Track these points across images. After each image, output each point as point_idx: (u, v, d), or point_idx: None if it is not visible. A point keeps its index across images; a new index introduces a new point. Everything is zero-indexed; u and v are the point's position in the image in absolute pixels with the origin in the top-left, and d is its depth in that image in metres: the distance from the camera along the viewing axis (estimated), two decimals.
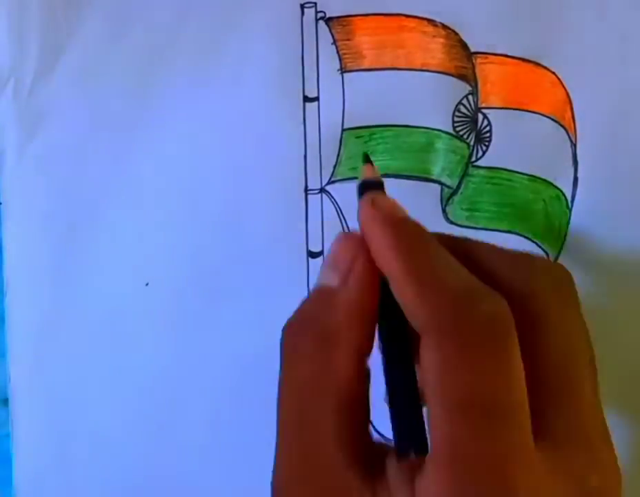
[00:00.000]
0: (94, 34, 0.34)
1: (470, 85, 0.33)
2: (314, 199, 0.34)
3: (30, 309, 0.35)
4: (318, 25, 0.33)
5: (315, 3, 0.33)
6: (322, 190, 0.34)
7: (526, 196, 0.34)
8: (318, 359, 0.24)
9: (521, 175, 0.34)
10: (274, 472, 0.25)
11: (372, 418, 0.25)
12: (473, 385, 0.23)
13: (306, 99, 0.33)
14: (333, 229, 0.33)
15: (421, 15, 0.33)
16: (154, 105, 0.34)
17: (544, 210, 0.34)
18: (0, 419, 0.35)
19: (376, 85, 0.33)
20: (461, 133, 0.33)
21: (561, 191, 0.34)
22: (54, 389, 0.35)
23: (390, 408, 0.25)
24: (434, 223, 0.32)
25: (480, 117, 0.33)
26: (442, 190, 0.34)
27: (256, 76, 0.33)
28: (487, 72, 0.33)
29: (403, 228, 0.25)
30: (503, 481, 0.22)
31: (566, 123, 0.33)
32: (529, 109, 0.33)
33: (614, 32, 0.33)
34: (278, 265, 0.34)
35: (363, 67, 0.33)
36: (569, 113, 0.33)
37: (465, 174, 0.34)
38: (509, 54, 0.33)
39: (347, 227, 0.33)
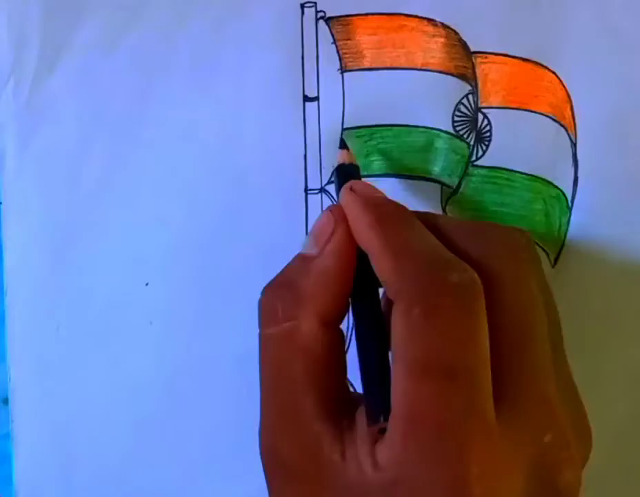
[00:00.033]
0: (94, 34, 0.34)
1: (470, 84, 0.33)
2: (314, 199, 0.34)
3: (29, 309, 0.35)
4: (318, 25, 0.33)
5: (315, 3, 0.33)
6: (322, 190, 0.34)
7: (526, 196, 0.34)
8: (289, 318, 0.26)
9: (521, 175, 0.34)
10: (259, 425, 0.27)
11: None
12: (436, 348, 0.24)
13: (306, 99, 0.33)
14: None
15: (421, 15, 0.33)
16: (153, 105, 0.34)
17: (544, 210, 0.34)
18: (0, 419, 0.35)
19: (376, 85, 0.33)
20: (461, 133, 0.33)
21: (561, 191, 0.34)
22: (54, 389, 0.35)
23: (361, 376, 0.26)
24: None
25: (480, 116, 0.33)
26: (442, 189, 0.34)
27: (256, 76, 0.33)
28: (488, 71, 0.33)
29: (380, 207, 0.27)
30: (456, 443, 0.23)
31: (566, 123, 0.33)
32: (529, 109, 0.33)
33: (614, 32, 0.33)
34: (278, 265, 0.33)
35: (363, 67, 0.33)
36: (569, 113, 0.33)
37: (465, 173, 0.34)
38: (509, 53, 0.33)
39: None
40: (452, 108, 0.33)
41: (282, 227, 0.34)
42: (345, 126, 0.33)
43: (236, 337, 0.34)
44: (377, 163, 0.33)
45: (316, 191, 0.34)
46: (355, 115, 0.33)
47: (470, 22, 0.33)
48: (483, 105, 0.33)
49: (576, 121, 0.33)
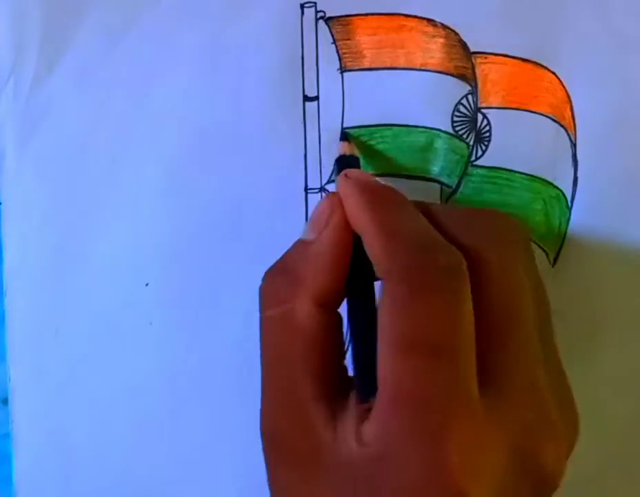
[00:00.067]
0: (94, 34, 0.34)
1: (470, 84, 0.33)
2: (314, 198, 0.34)
3: (29, 309, 0.35)
4: (318, 25, 0.33)
5: (315, 3, 0.33)
6: (322, 189, 0.34)
7: (526, 196, 0.34)
8: (286, 301, 0.27)
9: (521, 175, 0.34)
10: (260, 405, 0.28)
11: None
12: (421, 326, 0.24)
13: (306, 99, 0.33)
14: None
15: (420, 15, 0.33)
16: (153, 105, 0.34)
17: (544, 210, 0.34)
18: (0, 419, 0.35)
19: (376, 85, 0.33)
20: (461, 133, 0.33)
21: (561, 191, 0.34)
22: (54, 389, 0.35)
23: (352, 357, 0.27)
24: None
25: (479, 116, 0.33)
26: (442, 189, 0.34)
27: (255, 76, 0.33)
28: (487, 71, 0.33)
29: (373, 190, 0.28)
30: (438, 419, 0.24)
31: (566, 123, 0.33)
32: (529, 109, 0.33)
33: (614, 31, 0.33)
34: None
35: (362, 67, 0.33)
36: (569, 113, 0.33)
37: (464, 173, 0.34)
38: (509, 54, 0.33)
39: None
40: (452, 108, 0.33)
41: (282, 226, 0.34)
42: (344, 126, 0.33)
43: (236, 337, 0.34)
44: (377, 164, 0.33)
45: (316, 190, 0.34)
46: (355, 115, 0.33)
47: (470, 22, 0.33)
48: (483, 105, 0.33)
49: (576, 121, 0.33)
